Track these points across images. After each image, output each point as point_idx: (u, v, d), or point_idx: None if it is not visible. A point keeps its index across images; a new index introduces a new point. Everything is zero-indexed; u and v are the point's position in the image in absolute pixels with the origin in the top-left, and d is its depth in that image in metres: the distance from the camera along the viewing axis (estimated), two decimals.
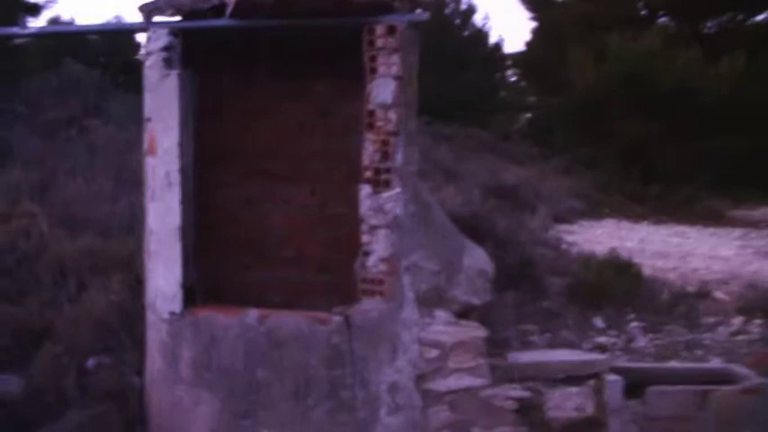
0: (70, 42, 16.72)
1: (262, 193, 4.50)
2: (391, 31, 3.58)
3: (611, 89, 17.98)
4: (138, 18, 3.93)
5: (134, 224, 5.99)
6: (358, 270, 3.71)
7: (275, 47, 4.37)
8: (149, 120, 3.89)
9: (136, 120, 6.27)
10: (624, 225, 16.04)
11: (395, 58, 3.58)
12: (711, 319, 7.01)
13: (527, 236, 9.96)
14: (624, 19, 18.96)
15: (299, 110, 4.47)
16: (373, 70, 3.61)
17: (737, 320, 6.92)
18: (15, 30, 3.68)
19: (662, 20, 20.70)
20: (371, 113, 3.63)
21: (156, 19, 3.87)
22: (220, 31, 3.96)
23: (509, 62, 30.54)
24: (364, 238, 3.68)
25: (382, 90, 3.60)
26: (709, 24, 20.65)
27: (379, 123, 3.61)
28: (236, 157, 4.44)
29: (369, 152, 3.64)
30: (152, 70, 3.85)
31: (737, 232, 15.00)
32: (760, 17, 19.74)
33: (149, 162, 3.91)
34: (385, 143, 3.61)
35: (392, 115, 3.60)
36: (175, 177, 3.80)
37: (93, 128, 9.29)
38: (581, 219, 15.91)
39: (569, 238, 12.43)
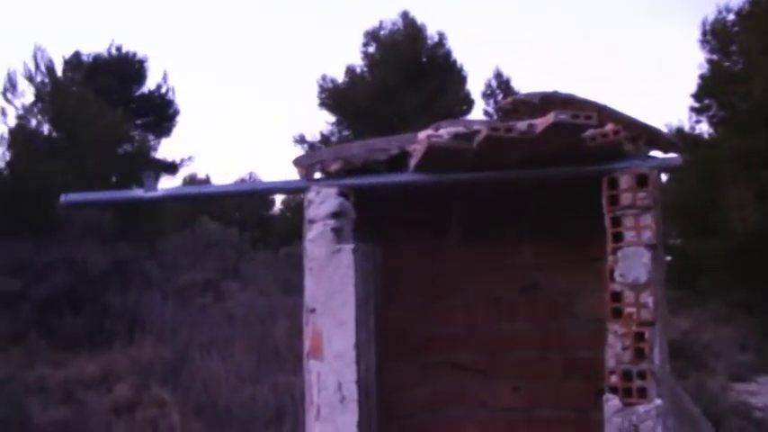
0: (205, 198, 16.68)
1: (450, 394, 3.42)
2: (642, 182, 2.63)
3: None
4: (279, 175, 3.06)
5: (281, 414, 5.10)
6: None
7: (468, 205, 3.42)
8: (313, 311, 2.90)
9: (277, 283, 5.49)
10: None
11: (647, 220, 2.61)
12: None
13: (715, 404, 8.79)
14: None
15: (495, 283, 3.43)
16: (617, 237, 2.65)
17: None
18: (145, 194, 2.83)
19: None
20: (617, 296, 2.63)
21: (318, 175, 3.01)
22: (397, 189, 3.12)
23: None
24: None
25: (632, 265, 2.61)
26: None
27: (630, 310, 2.60)
28: (417, 348, 3.41)
29: (615, 350, 2.61)
30: (316, 245, 2.90)
31: None
32: None
33: (313, 367, 2.88)
34: (638, 337, 2.59)
35: (647, 298, 2.59)
36: (351, 391, 2.78)
37: (231, 293, 8.63)
38: (755, 374, 14.35)
39: (754, 401, 11.03)
